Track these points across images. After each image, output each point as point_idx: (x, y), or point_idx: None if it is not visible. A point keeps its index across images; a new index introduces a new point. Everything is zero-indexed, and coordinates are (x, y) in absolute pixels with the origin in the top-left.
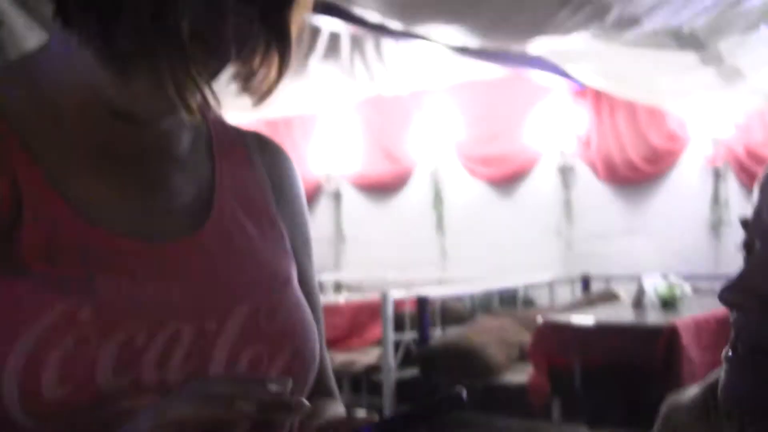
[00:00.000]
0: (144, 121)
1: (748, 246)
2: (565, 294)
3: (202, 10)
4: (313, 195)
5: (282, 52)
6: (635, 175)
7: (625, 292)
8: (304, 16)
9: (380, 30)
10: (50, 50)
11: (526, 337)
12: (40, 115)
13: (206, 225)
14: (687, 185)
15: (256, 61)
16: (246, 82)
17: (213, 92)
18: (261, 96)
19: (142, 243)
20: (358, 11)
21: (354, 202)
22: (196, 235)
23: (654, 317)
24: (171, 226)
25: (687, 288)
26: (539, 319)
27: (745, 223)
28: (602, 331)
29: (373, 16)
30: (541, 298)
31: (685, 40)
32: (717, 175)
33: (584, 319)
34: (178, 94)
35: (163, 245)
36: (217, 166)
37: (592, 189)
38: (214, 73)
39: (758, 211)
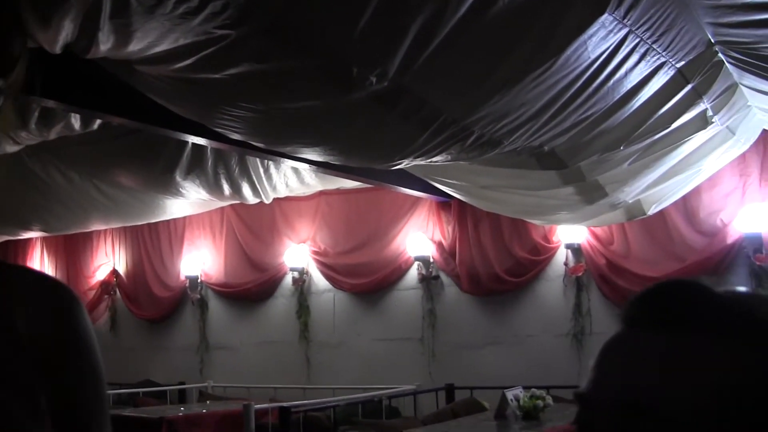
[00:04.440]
0: None
1: (584, 425)
2: (430, 404)
3: None
4: (179, 302)
5: None
6: (499, 286)
7: (490, 403)
8: None
9: (243, 146)
10: None
11: None
12: None
13: None
14: (550, 296)
15: None
16: None
17: None
18: None
19: None
20: (220, 131)
21: (220, 310)
22: None
23: (516, 428)
24: None
25: (549, 399)
26: None
27: (581, 398)
28: None
29: (235, 135)
30: (406, 407)
31: (546, 159)
32: (579, 286)
33: None
34: None
35: None
36: None
37: (456, 299)
38: None
39: (598, 386)
